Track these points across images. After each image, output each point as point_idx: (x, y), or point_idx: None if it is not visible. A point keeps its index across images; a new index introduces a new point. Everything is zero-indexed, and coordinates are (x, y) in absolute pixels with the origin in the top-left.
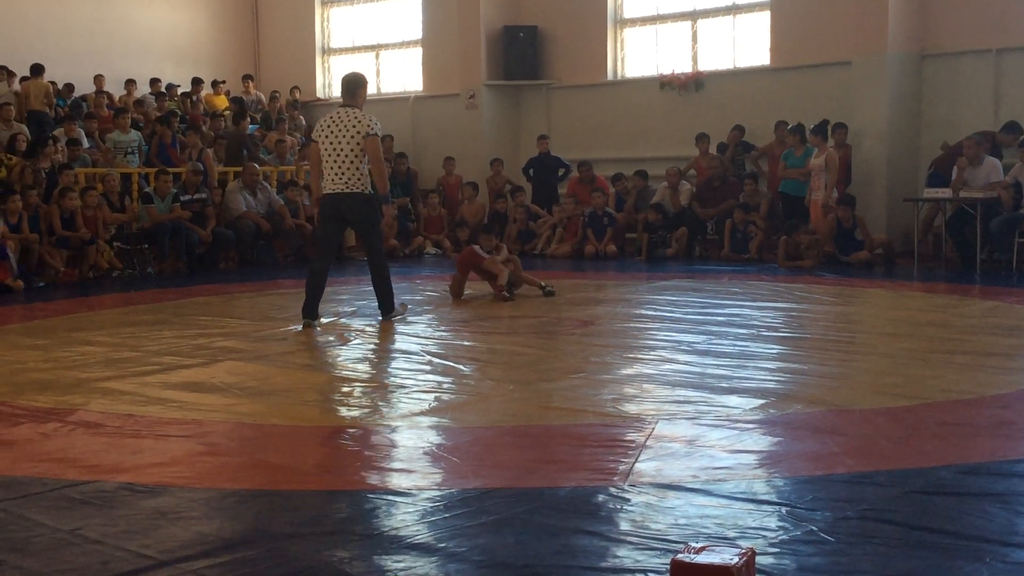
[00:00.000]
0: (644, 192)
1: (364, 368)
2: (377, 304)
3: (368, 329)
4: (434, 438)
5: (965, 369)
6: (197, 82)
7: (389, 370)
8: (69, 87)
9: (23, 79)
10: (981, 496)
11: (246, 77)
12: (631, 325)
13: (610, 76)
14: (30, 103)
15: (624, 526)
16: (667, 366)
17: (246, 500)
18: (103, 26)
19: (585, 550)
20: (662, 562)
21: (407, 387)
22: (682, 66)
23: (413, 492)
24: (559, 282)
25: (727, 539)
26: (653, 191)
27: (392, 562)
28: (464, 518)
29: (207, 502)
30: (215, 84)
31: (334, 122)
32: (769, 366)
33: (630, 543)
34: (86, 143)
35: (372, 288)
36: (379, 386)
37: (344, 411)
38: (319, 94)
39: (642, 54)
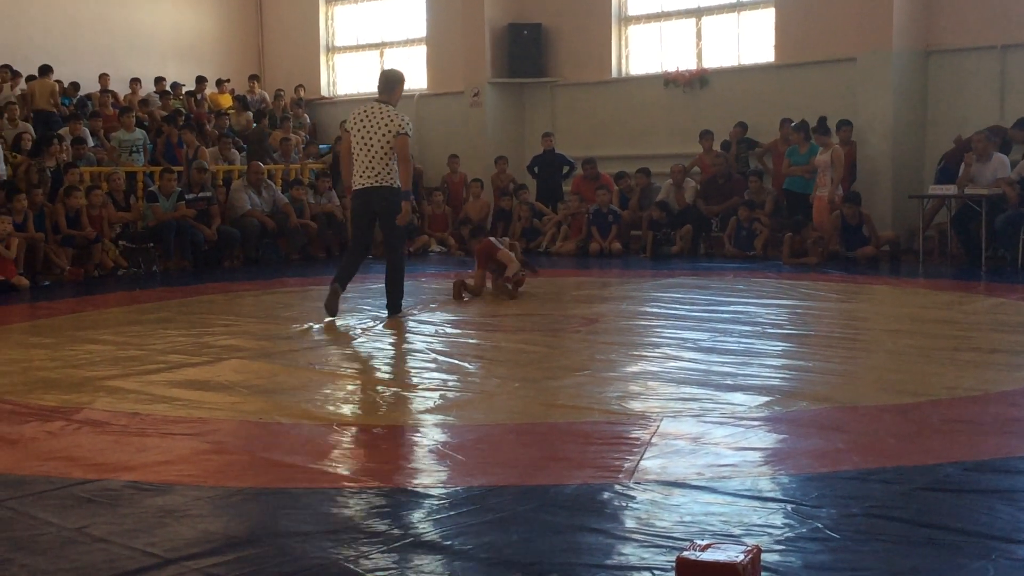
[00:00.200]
0: (648, 190)
1: (369, 366)
2: (386, 301)
3: (373, 327)
4: (439, 436)
5: (970, 366)
6: (201, 80)
7: (394, 368)
8: (74, 86)
9: (29, 78)
10: (987, 493)
11: (252, 77)
12: (636, 323)
13: (614, 73)
14: (36, 102)
15: (629, 524)
16: (672, 363)
17: (252, 498)
18: (108, 25)
19: (591, 548)
20: (667, 560)
21: (412, 385)
22: (686, 63)
23: (419, 490)
24: (563, 280)
25: (732, 536)
26: (658, 188)
27: (398, 560)
28: (470, 516)
29: (213, 500)
30: (219, 83)
31: (367, 116)
32: (774, 363)
33: (635, 541)
34: (91, 142)
35: (382, 285)
36: (384, 384)
37: (349, 409)
38: (323, 92)
39: (646, 51)
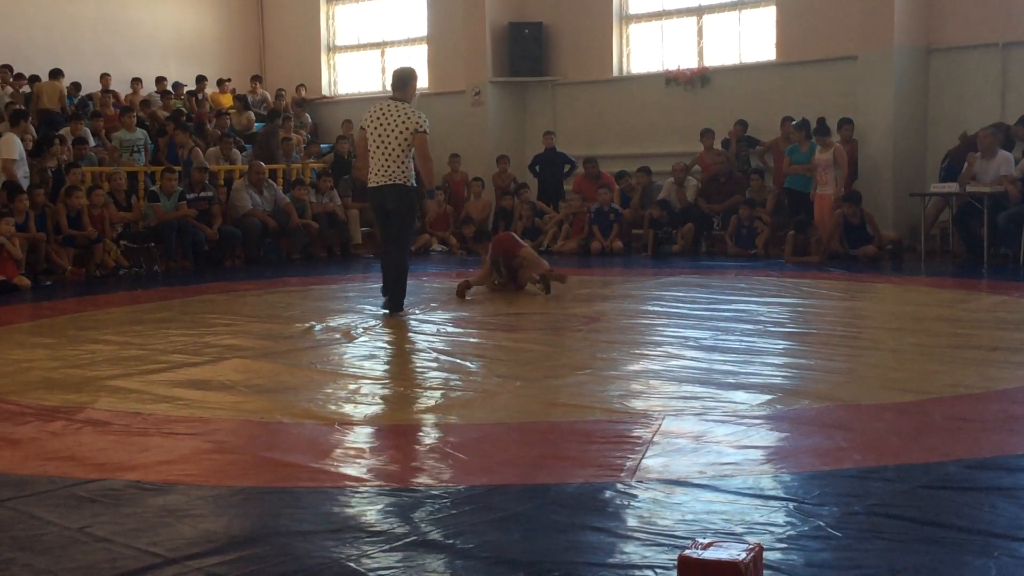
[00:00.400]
0: (650, 188)
1: (370, 365)
2: (387, 296)
3: (375, 326)
4: (441, 435)
5: (972, 364)
6: (201, 80)
7: (396, 367)
8: (76, 86)
9: (33, 79)
10: (989, 491)
11: (254, 78)
12: (637, 321)
13: (616, 72)
14: (42, 102)
15: (631, 522)
16: (674, 362)
17: (253, 497)
18: (109, 25)
19: (592, 546)
20: (669, 558)
21: (414, 384)
22: (688, 62)
23: (420, 489)
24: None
25: (734, 535)
26: (659, 187)
27: (399, 559)
28: (471, 515)
29: (215, 500)
30: (220, 83)
31: (383, 113)
32: (776, 362)
33: (637, 539)
34: (92, 142)
35: (379, 286)
36: (386, 383)
37: (350, 408)
38: (325, 91)
39: (648, 50)
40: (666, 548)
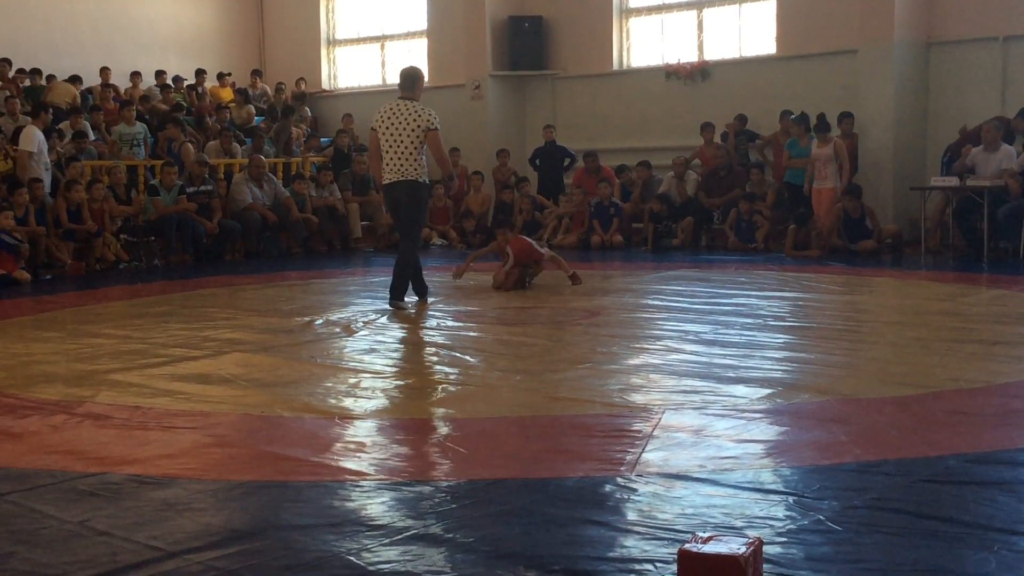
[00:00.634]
0: (650, 182)
1: (371, 359)
2: (389, 286)
3: (375, 320)
4: (441, 429)
5: (972, 358)
6: (200, 73)
7: (396, 361)
8: (75, 80)
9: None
10: (988, 485)
11: (255, 72)
12: (638, 315)
13: (616, 66)
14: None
15: (631, 516)
16: (674, 356)
17: (253, 491)
18: (108, 19)
19: (592, 540)
20: (669, 552)
21: (414, 378)
22: (688, 55)
23: (420, 483)
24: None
25: (734, 529)
26: (659, 181)
27: (399, 553)
28: (471, 508)
29: (215, 493)
30: (220, 76)
31: (394, 113)
32: (776, 355)
33: (637, 533)
34: (92, 136)
35: (384, 278)
36: (386, 377)
37: (351, 402)
38: (324, 85)
39: (648, 44)
40: (666, 542)
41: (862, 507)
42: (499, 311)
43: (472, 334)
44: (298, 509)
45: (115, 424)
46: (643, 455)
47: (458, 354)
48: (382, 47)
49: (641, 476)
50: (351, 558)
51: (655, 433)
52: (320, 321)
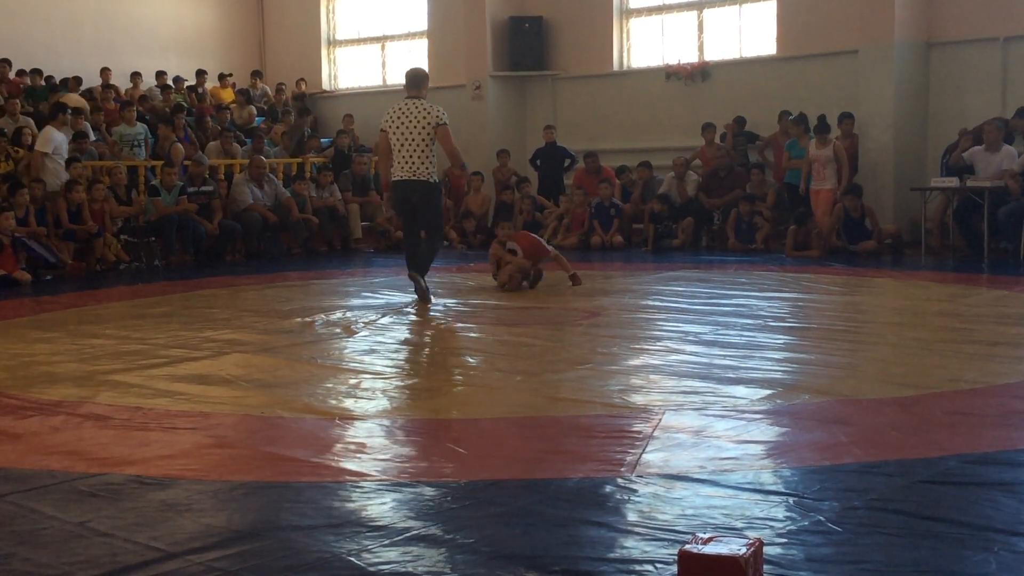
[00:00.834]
0: (651, 183)
1: (371, 360)
2: (416, 264)
3: (375, 321)
4: (442, 430)
5: (973, 358)
6: (201, 74)
7: (396, 362)
8: (76, 80)
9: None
10: (989, 486)
11: (255, 73)
12: (638, 316)
13: (616, 67)
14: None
15: (631, 517)
16: (674, 357)
17: (254, 492)
18: (109, 19)
19: (593, 541)
20: (670, 553)
21: (414, 379)
22: (688, 56)
23: (420, 483)
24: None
25: (735, 529)
26: (660, 181)
27: (400, 553)
28: (472, 509)
29: (215, 494)
30: (222, 77)
31: (403, 112)
32: (776, 356)
33: (637, 534)
34: (92, 136)
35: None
36: (386, 378)
37: (351, 403)
38: (325, 86)
39: (648, 44)
40: (666, 543)
41: (862, 508)
42: (499, 312)
43: (472, 335)
44: (299, 510)
45: (116, 425)
46: (643, 456)
47: (458, 355)
48: (382, 48)
49: (641, 477)
50: (352, 559)
51: (655, 434)
52: (320, 322)
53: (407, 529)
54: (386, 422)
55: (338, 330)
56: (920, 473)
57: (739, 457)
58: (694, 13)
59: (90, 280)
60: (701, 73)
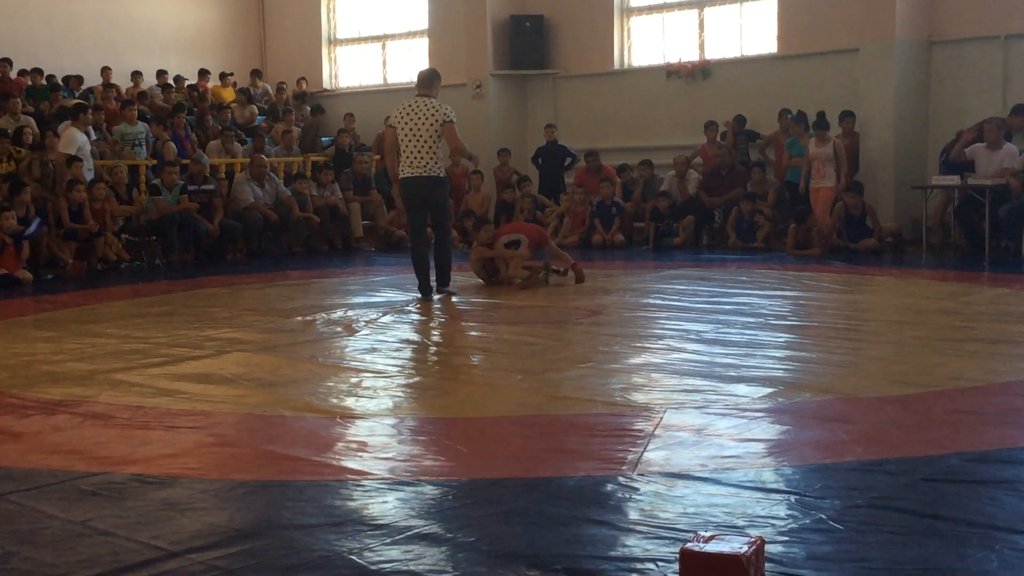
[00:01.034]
0: (652, 181)
1: (372, 359)
2: (435, 277)
3: (376, 320)
4: (442, 428)
5: (974, 357)
6: (204, 73)
7: (397, 360)
8: (78, 79)
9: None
10: (991, 483)
11: (254, 72)
12: (639, 314)
13: (617, 65)
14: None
15: (633, 515)
16: (675, 355)
17: (255, 491)
18: (109, 18)
19: (594, 539)
20: (671, 551)
21: (415, 377)
22: (689, 54)
23: (421, 482)
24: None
25: (736, 528)
26: (660, 180)
27: (401, 552)
28: (473, 508)
29: (217, 493)
30: (223, 76)
31: (413, 110)
32: (777, 354)
33: (639, 532)
34: (93, 135)
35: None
36: (387, 376)
37: (352, 402)
38: (326, 85)
39: (649, 43)
40: (668, 541)
41: (864, 506)
42: (500, 310)
43: (473, 333)
44: (300, 508)
45: (117, 424)
46: (645, 454)
47: (459, 353)
48: (383, 47)
49: (643, 475)
50: (353, 557)
51: (657, 432)
52: (321, 320)
53: (408, 528)
54: (387, 421)
55: (339, 329)
56: (921, 471)
57: (741, 455)
58: (695, 11)
59: (91, 279)
60: (702, 71)
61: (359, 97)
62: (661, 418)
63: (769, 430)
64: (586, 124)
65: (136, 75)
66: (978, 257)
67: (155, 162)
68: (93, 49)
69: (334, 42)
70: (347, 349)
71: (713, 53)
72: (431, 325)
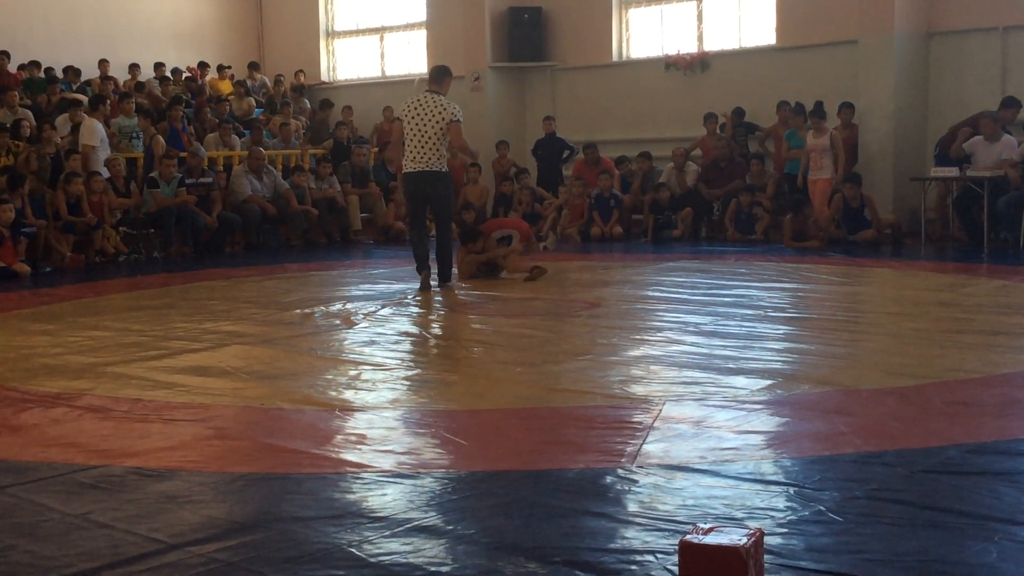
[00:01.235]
0: (650, 173)
1: (371, 351)
2: (436, 272)
3: (375, 312)
4: (441, 420)
5: (972, 348)
6: (203, 66)
7: (396, 353)
8: (75, 72)
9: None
10: (989, 475)
11: (252, 65)
12: (638, 307)
13: (615, 57)
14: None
15: (632, 507)
16: (674, 347)
17: (254, 484)
18: (107, 11)
19: (593, 532)
20: (670, 543)
21: (414, 370)
22: (687, 46)
23: (421, 475)
24: (565, 264)
25: (735, 520)
26: (659, 172)
27: (400, 544)
28: (472, 500)
29: (215, 486)
30: (220, 69)
31: (420, 105)
32: (776, 347)
33: (638, 524)
34: None
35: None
36: (386, 369)
37: (351, 394)
38: (323, 77)
39: (647, 35)
40: (667, 533)
41: (863, 498)
42: (499, 303)
43: (472, 326)
44: (299, 501)
45: (116, 417)
46: (644, 446)
47: (458, 346)
48: (381, 39)
49: (642, 467)
50: (352, 550)
51: (656, 424)
52: (320, 313)
53: (408, 520)
54: (386, 413)
55: (338, 321)
56: (920, 463)
57: (739, 447)
58: (693, 3)
59: (89, 272)
60: (700, 63)
61: (357, 89)
62: (660, 410)
63: (768, 422)
64: (585, 116)
65: (134, 68)
66: (977, 249)
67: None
68: (91, 42)
69: (332, 34)
70: (346, 342)
71: (712, 45)
72: (430, 317)
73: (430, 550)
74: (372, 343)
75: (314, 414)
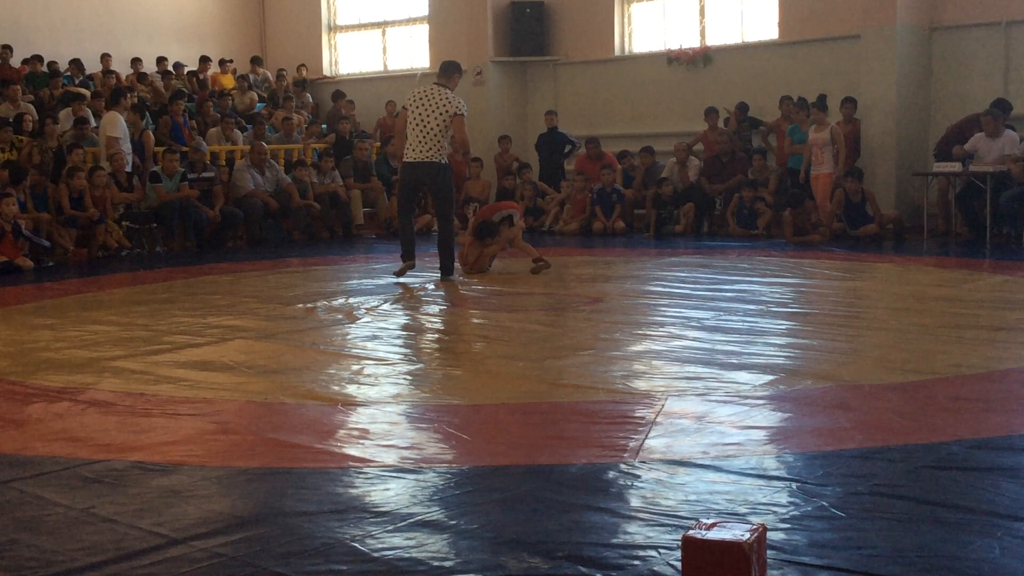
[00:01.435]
0: (652, 168)
1: (373, 346)
2: (439, 265)
3: (377, 307)
4: (444, 415)
5: (975, 344)
6: (205, 60)
7: (398, 347)
8: (78, 66)
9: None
10: (992, 471)
11: (253, 59)
12: (640, 301)
13: (618, 52)
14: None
15: (635, 503)
16: (676, 342)
17: (257, 478)
18: (109, 5)
19: (596, 527)
20: (673, 538)
21: (416, 364)
22: (690, 41)
23: (423, 469)
24: (567, 259)
25: (738, 515)
26: (661, 167)
27: (403, 539)
28: (474, 495)
29: (219, 480)
30: (223, 63)
31: (426, 96)
32: (778, 342)
33: (641, 519)
34: (94, 122)
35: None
36: (388, 364)
37: (353, 389)
38: (326, 72)
39: (650, 29)
40: (670, 528)
41: (865, 493)
42: (501, 297)
43: (474, 320)
44: (302, 496)
45: (118, 411)
46: (646, 442)
47: (461, 340)
48: (383, 33)
49: (644, 463)
50: (355, 544)
51: (658, 420)
52: (322, 308)
53: (410, 515)
54: (389, 408)
55: (340, 316)
56: (923, 458)
57: (742, 443)
58: None
59: (92, 267)
60: (703, 58)
61: (359, 84)
62: (662, 405)
63: (770, 417)
64: (587, 111)
65: (136, 62)
66: (979, 244)
67: (158, 149)
68: (93, 36)
69: (334, 28)
70: (348, 336)
71: (714, 39)
72: (432, 312)
73: (433, 545)
74: (375, 338)
75: (317, 409)
